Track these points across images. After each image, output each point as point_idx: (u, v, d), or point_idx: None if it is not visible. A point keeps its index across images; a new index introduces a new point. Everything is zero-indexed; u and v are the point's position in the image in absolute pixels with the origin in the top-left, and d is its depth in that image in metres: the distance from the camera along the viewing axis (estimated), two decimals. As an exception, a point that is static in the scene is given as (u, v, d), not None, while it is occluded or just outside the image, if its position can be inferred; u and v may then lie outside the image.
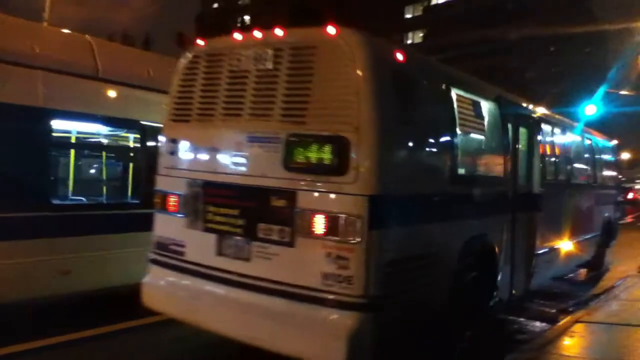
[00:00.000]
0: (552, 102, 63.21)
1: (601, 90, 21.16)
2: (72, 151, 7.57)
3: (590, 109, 14.41)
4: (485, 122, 5.85)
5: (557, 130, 8.64)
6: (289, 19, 70.11)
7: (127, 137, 7.75)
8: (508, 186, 6.33)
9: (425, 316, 4.65)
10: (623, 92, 25.02)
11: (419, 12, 62.70)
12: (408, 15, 63.52)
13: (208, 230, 4.64)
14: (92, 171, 8.58)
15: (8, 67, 5.64)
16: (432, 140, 4.92)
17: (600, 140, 11.54)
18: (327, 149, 4.00)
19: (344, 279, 3.88)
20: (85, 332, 5.81)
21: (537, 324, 7.12)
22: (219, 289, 4.54)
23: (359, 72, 4.00)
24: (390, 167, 4.18)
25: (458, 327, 5.17)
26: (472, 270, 5.24)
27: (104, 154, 8.01)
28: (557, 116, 9.14)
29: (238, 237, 4.43)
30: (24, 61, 5.78)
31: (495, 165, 6.15)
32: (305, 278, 4.02)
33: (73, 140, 7.42)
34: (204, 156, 4.86)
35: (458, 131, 5.17)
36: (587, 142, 10.57)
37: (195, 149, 4.96)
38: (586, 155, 10.37)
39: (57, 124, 6.33)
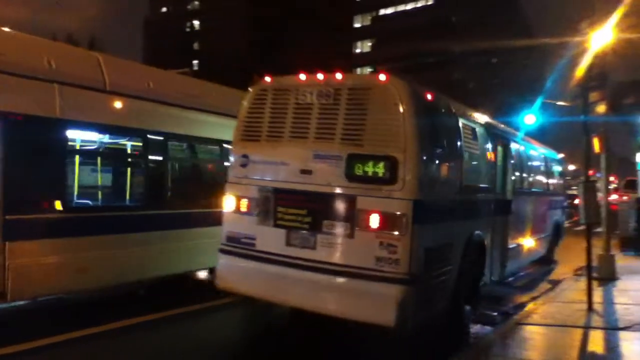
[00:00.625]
0: (494, 112, 64.65)
1: (539, 101, 22.35)
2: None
3: (530, 119, 15.30)
4: (479, 143, 7.44)
5: (522, 148, 10.40)
6: (240, 26, 69.89)
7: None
8: (492, 194, 7.96)
9: (444, 289, 6.19)
10: (560, 103, 26.20)
11: (367, 22, 63.71)
12: (357, 25, 64.42)
13: (278, 226, 5.97)
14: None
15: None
16: (449, 159, 6.40)
17: (551, 154, 13.64)
18: (381, 165, 5.44)
19: (392, 261, 5.28)
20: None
21: (479, 327, 7.31)
22: (289, 272, 5.81)
23: (404, 108, 5.45)
24: (426, 178, 5.61)
25: (462, 298, 6.76)
26: (472, 256, 6.89)
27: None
28: (522, 136, 10.98)
29: (304, 231, 5.79)
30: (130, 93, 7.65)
31: (484, 177, 7.70)
32: (362, 261, 5.41)
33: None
34: (273, 168, 6.16)
35: (464, 151, 6.72)
36: (542, 156, 12.61)
37: (266, 162, 6.26)
38: (542, 168, 12.40)
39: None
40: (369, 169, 5.53)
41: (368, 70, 62.95)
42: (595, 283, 9.35)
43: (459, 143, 6.64)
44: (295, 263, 5.78)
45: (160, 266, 7.84)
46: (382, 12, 62.86)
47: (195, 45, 78.13)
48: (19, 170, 6.15)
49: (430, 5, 58.89)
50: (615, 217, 16.19)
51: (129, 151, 8.64)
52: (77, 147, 7.84)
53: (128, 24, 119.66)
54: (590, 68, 7.93)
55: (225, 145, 8.46)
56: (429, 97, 6.09)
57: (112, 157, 8.85)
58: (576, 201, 10.85)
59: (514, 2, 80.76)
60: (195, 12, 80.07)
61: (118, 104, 7.39)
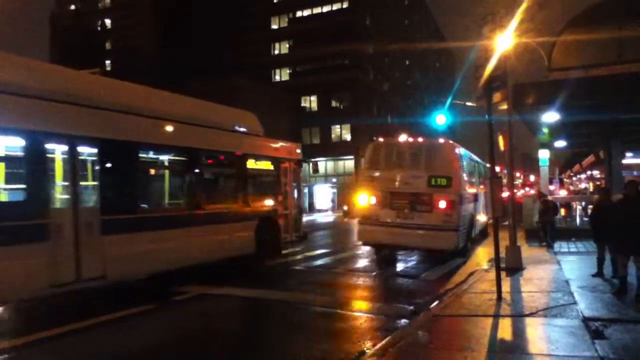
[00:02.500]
0: (406, 112, 67.01)
1: (449, 101, 23.58)
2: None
3: (441, 119, 15.89)
4: (476, 168, 17.38)
5: (476, 164, 17.87)
6: (153, 24, 67.67)
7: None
8: (475, 195, 15.88)
9: (465, 235, 13.70)
10: (468, 103, 27.53)
11: (284, 24, 63.75)
12: (274, 26, 64.29)
13: (392, 208, 13.08)
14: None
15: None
16: (466, 176, 14.51)
17: (484, 163, 19.12)
18: (444, 179, 12.83)
19: (449, 222, 12.67)
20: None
21: (397, 320, 7.51)
22: (398, 230, 12.92)
23: (452, 156, 13.45)
24: (461, 185, 13.20)
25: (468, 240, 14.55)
26: (471, 223, 14.90)
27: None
28: (476, 157, 18.54)
29: (407, 210, 12.91)
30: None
31: (475, 184, 16.31)
32: (436, 222, 12.62)
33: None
34: (389, 181, 13.28)
35: (468, 171, 14.91)
36: (482, 167, 18.79)
37: (385, 179, 13.40)
38: (480, 176, 17.91)
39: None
40: (438, 181, 12.81)
41: (287, 71, 63.10)
42: (503, 273, 9.91)
43: (470, 169, 15.64)
44: (402, 225, 12.96)
45: (216, 251, 10.87)
46: (299, 13, 63.13)
47: (107, 45, 74.85)
48: (111, 182, 8.63)
49: (345, 8, 59.85)
50: (520, 211, 17.24)
51: (190, 166, 10.64)
52: (153, 163, 10.52)
53: (31, 19, 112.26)
54: (493, 70, 8.39)
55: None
56: (461, 151, 14.51)
57: (178, 170, 10.93)
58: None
59: (425, 7, 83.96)
60: (107, 10, 76.66)
61: (184, 130, 10.30)
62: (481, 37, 9.17)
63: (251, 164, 12.25)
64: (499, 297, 8.20)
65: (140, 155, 9.52)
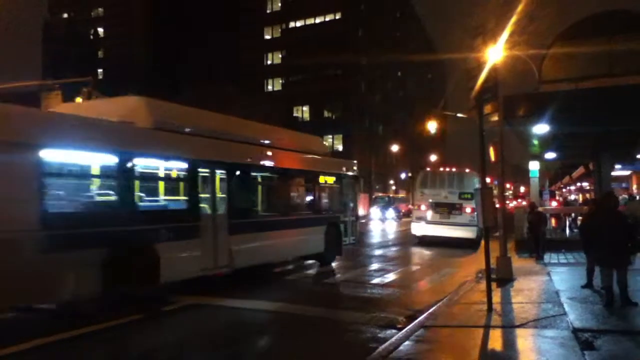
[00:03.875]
0: (398, 122, 67.03)
1: (440, 112, 24.98)
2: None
3: (432, 126, 16.49)
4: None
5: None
6: (145, 33, 67.70)
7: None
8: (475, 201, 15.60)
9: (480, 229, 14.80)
10: (459, 115, 27.69)
11: (277, 34, 64.04)
12: (267, 37, 64.56)
13: (436, 212, 21.80)
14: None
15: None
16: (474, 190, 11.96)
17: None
18: (469, 194, 20.34)
19: (474, 220, 18.38)
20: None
21: (387, 331, 7.48)
22: (440, 225, 21.70)
23: (473, 178, 21.55)
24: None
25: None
26: None
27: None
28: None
29: (446, 214, 21.61)
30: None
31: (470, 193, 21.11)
32: (465, 221, 20.96)
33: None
34: (434, 196, 22.07)
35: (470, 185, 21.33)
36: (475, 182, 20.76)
37: (431, 194, 22.21)
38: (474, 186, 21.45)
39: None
40: (465, 195, 20.98)
41: (279, 81, 63.25)
42: (494, 284, 9.91)
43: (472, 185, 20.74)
44: (443, 223, 21.53)
45: (297, 250, 13.68)
46: (292, 24, 63.48)
47: (100, 53, 74.74)
48: (234, 195, 11.14)
49: (338, 19, 60.27)
50: (511, 222, 17.31)
51: (283, 182, 13.48)
52: (260, 181, 12.84)
53: (24, 26, 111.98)
54: (484, 82, 8.45)
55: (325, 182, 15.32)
56: (477, 175, 16.09)
57: (275, 185, 13.45)
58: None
59: (417, 19, 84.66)
60: (99, 19, 76.61)
61: (279, 155, 13.02)
62: (472, 49, 9.24)
63: (322, 179, 14.95)
64: (490, 308, 8.20)
65: (252, 174, 12.12)
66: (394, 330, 7.49)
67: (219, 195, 10.98)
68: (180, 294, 9.90)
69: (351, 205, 16.11)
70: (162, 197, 10.59)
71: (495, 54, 9.52)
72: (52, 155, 7.69)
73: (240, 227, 11.02)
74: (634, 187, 31.65)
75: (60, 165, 8.21)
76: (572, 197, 46.21)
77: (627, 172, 30.80)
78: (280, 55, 63.75)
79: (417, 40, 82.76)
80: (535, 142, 19.69)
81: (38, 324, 8.06)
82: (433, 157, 63.51)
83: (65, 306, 8.19)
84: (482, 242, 9.23)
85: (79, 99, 16.67)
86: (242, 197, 11.54)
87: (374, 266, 15.09)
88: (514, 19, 10.44)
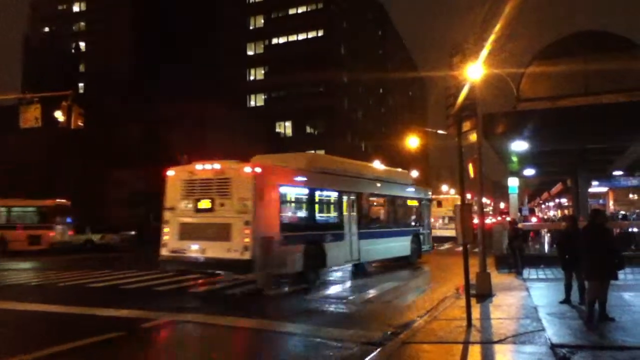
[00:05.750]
0: (380, 138, 67.54)
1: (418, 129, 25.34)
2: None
3: (413, 142, 16.78)
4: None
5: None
6: (128, 48, 67.42)
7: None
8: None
9: None
10: (439, 131, 27.98)
11: (260, 50, 64.29)
12: (250, 53, 64.77)
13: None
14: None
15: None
16: None
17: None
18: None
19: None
20: None
21: (367, 347, 7.44)
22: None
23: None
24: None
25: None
26: None
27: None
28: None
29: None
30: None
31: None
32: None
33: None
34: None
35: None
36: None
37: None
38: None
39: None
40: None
41: (262, 97, 63.37)
42: (473, 300, 9.94)
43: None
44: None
45: (395, 252, 18.88)
46: (275, 40, 63.83)
47: (82, 68, 74.14)
48: (360, 212, 16.80)
49: (320, 36, 60.78)
50: (490, 238, 17.44)
51: (387, 204, 19.35)
52: (374, 203, 18.68)
53: (4, 40, 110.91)
54: (463, 99, 8.57)
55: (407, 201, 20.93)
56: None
57: (381, 206, 19.17)
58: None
59: (398, 37, 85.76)
60: (81, 33, 76.09)
61: (384, 185, 19.04)
62: (451, 67, 9.37)
63: (409, 202, 20.88)
64: (469, 324, 8.21)
65: (370, 199, 18.18)
66: (373, 347, 7.45)
67: (352, 213, 16.57)
68: (158, 310, 9.77)
69: (426, 221, 21.72)
70: (325, 214, 16.06)
71: (474, 72, 9.67)
72: (283, 191, 13.87)
73: (364, 235, 16.73)
74: (611, 203, 32.22)
75: (285, 198, 14.07)
76: (551, 213, 46.84)
77: (604, 189, 31.35)
78: (263, 72, 63.95)
79: (398, 57, 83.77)
80: (514, 158, 19.93)
81: (18, 342, 7.88)
82: (415, 173, 63.85)
83: (211, 292, 13.43)
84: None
85: (58, 113, 16.50)
86: (365, 215, 17.28)
87: (357, 282, 15.06)
88: (492, 37, 10.63)
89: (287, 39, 62.57)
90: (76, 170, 42.40)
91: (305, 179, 14.66)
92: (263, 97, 63.48)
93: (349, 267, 17.69)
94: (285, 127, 61.53)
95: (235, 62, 63.37)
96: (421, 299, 11.95)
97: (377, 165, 20.83)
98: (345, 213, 16.09)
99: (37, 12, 76.57)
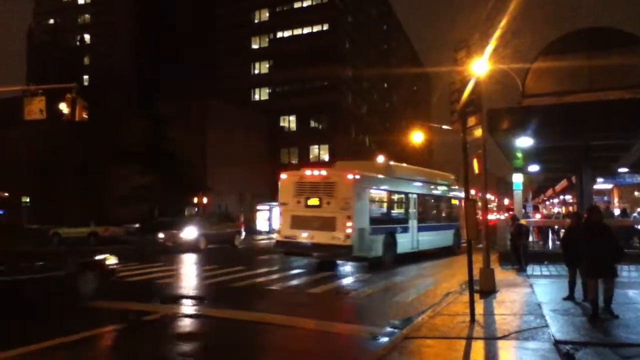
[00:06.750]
0: (384, 133, 67.34)
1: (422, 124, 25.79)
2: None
3: (417, 137, 17.19)
4: None
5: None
6: (132, 42, 67.42)
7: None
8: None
9: None
10: (444, 127, 27.90)
11: (265, 44, 64.12)
12: (255, 46, 64.62)
13: None
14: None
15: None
16: None
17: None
18: None
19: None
20: None
21: (370, 341, 7.46)
22: None
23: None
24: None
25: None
26: None
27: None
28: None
29: None
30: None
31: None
32: None
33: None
34: None
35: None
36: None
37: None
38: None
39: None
40: None
41: (266, 91, 63.31)
42: (477, 296, 9.93)
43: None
44: None
45: (442, 243, 21.71)
46: (280, 34, 63.64)
47: (86, 60, 74.16)
48: (419, 209, 20.32)
49: (325, 30, 60.57)
50: (494, 234, 17.42)
51: (437, 202, 22.82)
52: (427, 201, 21.69)
53: (9, 32, 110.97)
54: (468, 95, 8.53)
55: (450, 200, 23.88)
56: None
57: (433, 204, 22.33)
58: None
59: (403, 32, 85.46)
60: (86, 26, 76.07)
61: (433, 186, 22.52)
62: (456, 62, 9.32)
63: (452, 201, 23.65)
64: (472, 320, 8.22)
65: (426, 198, 21.33)
66: (376, 341, 7.47)
67: (413, 210, 19.80)
68: (161, 304, 9.81)
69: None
70: (396, 211, 19.25)
71: (479, 67, 9.63)
72: (371, 192, 17.51)
73: (421, 228, 19.88)
74: (616, 200, 32.10)
75: (372, 198, 17.47)
76: (556, 210, 46.72)
77: (609, 186, 31.22)
78: (267, 66, 63.81)
79: (403, 52, 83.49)
80: (519, 154, 19.81)
81: (21, 333, 7.92)
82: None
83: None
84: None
85: (62, 105, 16.50)
86: (422, 211, 20.34)
87: (359, 276, 15.08)
88: (497, 33, 10.58)
89: (292, 33, 62.37)
90: (78, 164, 42.45)
91: (384, 183, 18.62)
92: (267, 91, 63.37)
93: (351, 263, 17.69)
94: (290, 121, 61.46)
95: (240, 56, 63.23)
96: (425, 295, 11.96)
97: (432, 170, 24.65)
98: (409, 210, 19.65)
99: (42, 5, 76.59)
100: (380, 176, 18.63)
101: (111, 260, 11.36)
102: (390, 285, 13.54)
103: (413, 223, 19.61)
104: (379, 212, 18.01)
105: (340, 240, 15.73)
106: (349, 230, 15.69)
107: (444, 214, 23.00)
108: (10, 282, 8.92)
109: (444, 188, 23.34)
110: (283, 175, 17.68)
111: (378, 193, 18.16)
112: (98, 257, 11.30)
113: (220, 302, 10.83)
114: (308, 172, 16.99)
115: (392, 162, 22.06)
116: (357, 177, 16.35)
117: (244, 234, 29.43)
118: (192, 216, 32.77)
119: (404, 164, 22.81)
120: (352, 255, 15.91)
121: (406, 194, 19.63)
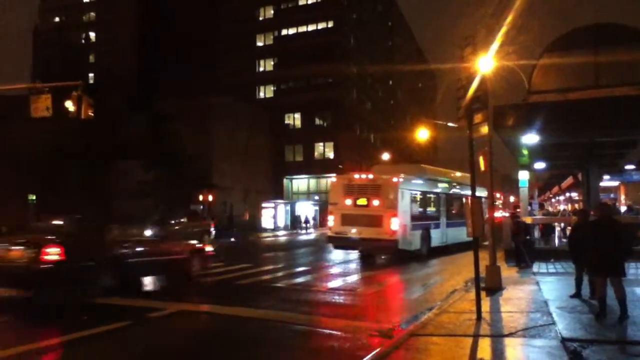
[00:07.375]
0: (389, 130, 66.95)
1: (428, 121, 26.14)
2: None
3: (423, 134, 17.44)
4: None
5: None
6: (136, 38, 67.51)
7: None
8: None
9: None
10: (450, 124, 27.83)
11: (270, 41, 64.08)
12: (259, 44, 64.59)
13: None
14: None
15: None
16: None
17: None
18: None
19: None
20: None
21: (376, 339, 7.45)
22: None
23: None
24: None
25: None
26: None
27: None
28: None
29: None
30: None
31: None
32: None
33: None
34: None
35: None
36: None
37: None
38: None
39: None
40: None
41: (271, 88, 63.29)
42: (483, 293, 9.90)
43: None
44: None
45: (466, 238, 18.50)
46: (284, 32, 63.59)
47: (91, 58, 74.30)
48: (446, 207, 22.85)
49: (330, 27, 60.47)
50: (499, 231, 17.36)
51: (460, 201, 23.83)
52: (454, 201, 23.70)
53: (14, 30, 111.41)
54: (473, 92, 8.48)
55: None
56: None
57: (458, 204, 23.68)
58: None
59: (408, 29, 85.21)
60: (91, 24, 76.19)
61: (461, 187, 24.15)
62: (462, 59, 9.27)
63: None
64: (479, 317, 8.19)
65: (453, 197, 23.26)
66: (383, 339, 7.45)
67: (443, 208, 22.03)
68: (166, 301, 9.83)
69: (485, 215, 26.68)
70: (430, 209, 21.26)
71: (485, 64, 9.58)
72: (411, 193, 19.54)
73: (449, 224, 22.12)
74: (622, 197, 31.96)
75: (411, 198, 19.48)
76: (562, 207, 46.54)
77: (615, 183, 31.09)
78: (272, 63, 63.78)
79: (408, 49, 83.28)
80: (525, 151, 19.74)
81: (24, 331, 7.95)
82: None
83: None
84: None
85: (68, 103, 16.55)
86: (449, 209, 22.57)
87: (366, 273, 15.07)
88: (503, 29, 10.52)
89: (297, 30, 62.30)
90: (84, 161, 42.47)
91: (420, 184, 20.65)
92: (272, 88, 63.36)
93: (352, 261, 17.68)
94: (294, 119, 61.44)
95: (245, 54, 63.23)
96: (430, 292, 11.94)
97: (458, 172, 25.48)
98: (440, 208, 21.95)
99: (47, 3, 76.76)
100: (417, 179, 20.69)
101: (209, 248, 14.03)
102: (411, 278, 13.53)
103: (443, 220, 21.90)
104: (417, 210, 20.05)
105: (386, 235, 17.70)
106: (394, 227, 17.72)
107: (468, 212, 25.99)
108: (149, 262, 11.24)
109: (469, 188, 25.44)
110: (333, 179, 21.15)
111: (416, 193, 20.14)
112: (201, 245, 13.90)
113: (229, 299, 10.85)
114: (356, 176, 19.51)
115: (423, 165, 24.54)
116: (401, 179, 18.74)
117: (213, 233, 27.68)
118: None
119: (438, 168, 25.72)
120: (397, 249, 17.89)
121: (437, 193, 21.91)
